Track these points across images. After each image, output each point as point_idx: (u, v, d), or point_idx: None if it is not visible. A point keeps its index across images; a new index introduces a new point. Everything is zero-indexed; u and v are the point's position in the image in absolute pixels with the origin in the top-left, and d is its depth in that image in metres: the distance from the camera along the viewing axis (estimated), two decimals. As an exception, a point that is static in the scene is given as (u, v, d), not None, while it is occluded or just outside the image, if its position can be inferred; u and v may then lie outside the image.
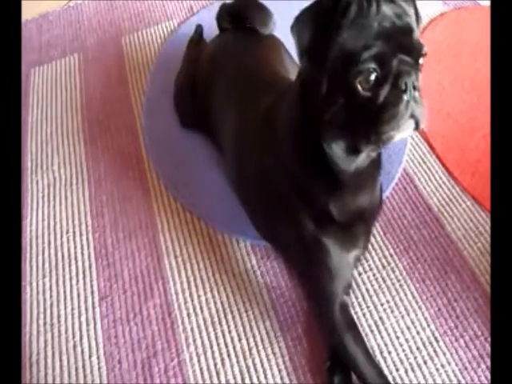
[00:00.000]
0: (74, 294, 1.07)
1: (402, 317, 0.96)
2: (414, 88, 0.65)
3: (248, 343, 0.96)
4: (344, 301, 0.87)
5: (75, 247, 1.15)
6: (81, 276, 1.09)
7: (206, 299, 1.02)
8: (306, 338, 0.95)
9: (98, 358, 0.97)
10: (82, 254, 1.13)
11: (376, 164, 0.85)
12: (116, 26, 1.71)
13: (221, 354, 0.95)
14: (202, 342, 0.97)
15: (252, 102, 0.97)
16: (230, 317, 0.99)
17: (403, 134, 0.68)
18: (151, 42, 1.62)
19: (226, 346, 0.96)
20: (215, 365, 0.94)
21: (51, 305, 1.06)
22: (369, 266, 1.03)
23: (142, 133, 1.35)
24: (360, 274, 1.02)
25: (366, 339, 0.89)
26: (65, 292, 1.07)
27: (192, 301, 1.02)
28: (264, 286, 1.03)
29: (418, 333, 0.93)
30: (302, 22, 0.67)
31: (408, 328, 0.94)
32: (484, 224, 1.07)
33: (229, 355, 0.95)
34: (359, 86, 0.64)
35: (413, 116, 0.66)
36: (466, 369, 0.89)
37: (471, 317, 0.95)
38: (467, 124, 1.26)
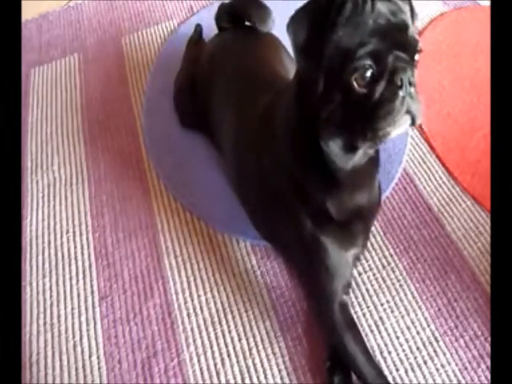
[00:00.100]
0: (74, 293, 1.07)
1: (402, 317, 0.96)
2: (410, 84, 0.65)
3: (248, 343, 0.96)
4: (343, 300, 0.87)
5: (75, 247, 1.15)
6: (81, 276, 1.09)
7: (206, 299, 1.02)
8: (305, 338, 0.95)
9: (98, 357, 0.97)
10: (82, 253, 1.13)
11: (374, 162, 0.85)
12: (116, 26, 1.71)
13: (221, 353, 0.95)
14: (202, 342, 0.97)
15: (251, 102, 0.97)
16: (230, 317, 0.99)
17: (399, 130, 0.68)
18: (151, 42, 1.62)
19: (226, 346, 0.96)
20: (215, 365, 0.94)
21: (51, 305, 1.06)
22: (369, 265, 1.03)
23: (142, 133, 1.35)
24: (360, 274, 1.02)
25: (366, 339, 0.89)
26: (65, 292, 1.07)
27: (192, 301, 1.02)
28: (264, 286, 1.03)
29: (418, 333, 0.93)
30: (297, 21, 0.67)
31: (408, 328, 0.94)
32: (484, 224, 1.07)
33: (229, 355, 0.95)
34: (355, 83, 0.65)
35: (409, 112, 0.66)
36: (466, 369, 0.89)
37: (471, 317, 0.95)
38: (467, 124, 1.26)
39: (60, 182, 1.28)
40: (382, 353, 0.92)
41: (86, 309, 1.04)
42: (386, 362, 0.91)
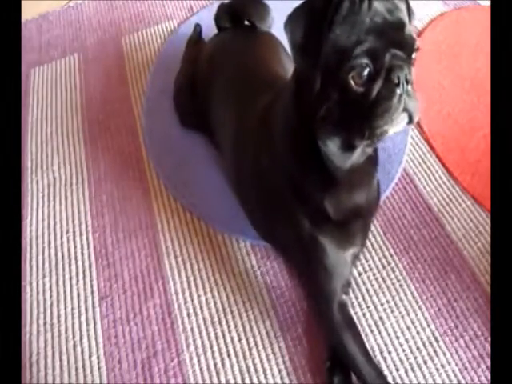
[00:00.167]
0: (74, 293, 1.07)
1: (402, 317, 0.96)
2: (407, 82, 0.65)
3: (248, 343, 0.96)
4: (343, 300, 0.88)
5: (75, 247, 1.15)
6: (81, 276, 1.09)
7: (206, 299, 1.02)
8: (305, 338, 0.95)
9: (98, 357, 0.97)
10: (82, 253, 1.13)
11: (372, 160, 0.85)
12: (116, 26, 1.71)
13: (221, 353, 0.95)
14: (202, 342, 0.97)
15: (249, 102, 0.98)
16: (230, 317, 0.99)
17: (397, 128, 0.68)
18: (151, 42, 1.62)
19: (226, 346, 0.96)
20: (215, 365, 0.94)
21: (51, 305, 1.06)
22: (369, 265, 1.03)
23: (142, 133, 1.35)
24: (360, 274, 1.02)
25: (366, 339, 0.89)
26: (65, 292, 1.07)
27: (192, 301, 1.02)
28: (264, 286, 1.03)
29: (418, 333, 0.93)
30: (294, 20, 0.68)
31: (408, 328, 0.94)
32: (484, 224, 1.07)
33: (229, 355, 0.95)
34: (352, 82, 0.65)
35: (406, 109, 0.66)
36: (466, 369, 0.89)
37: (471, 317, 0.95)
38: (467, 124, 1.26)
39: (60, 182, 1.28)
40: (382, 353, 0.92)
41: (86, 309, 1.04)
42: (386, 361, 0.91)
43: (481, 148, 1.20)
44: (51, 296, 1.07)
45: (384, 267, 1.03)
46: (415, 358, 0.91)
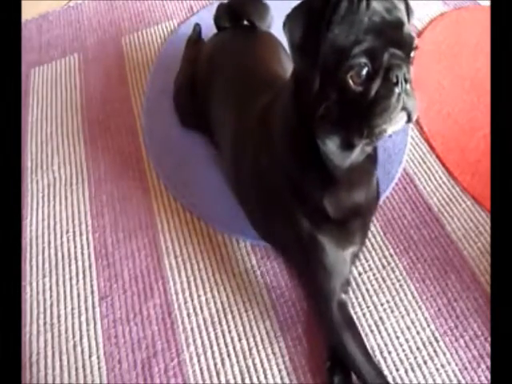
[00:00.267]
0: (74, 293, 1.07)
1: (402, 317, 0.96)
2: (406, 81, 0.65)
3: (248, 343, 0.96)
4: (342, 299, 0.88)
5: (75, 247, 1.15)
6: (81, 276, 1.09)
7: (206, 299, 1.02)
8: (305, 338, 0.95)
9: (98, 357, 0.97)
10: (82, 253, 1.13)
11: (371, 159, 0.85)
12: (116, 26, 1.71)
13: (221, 353, 0.95)
14: (202, 342, 0.97)
15: (249, 102, 0.98)
16: (230, 317, 0.99)
17: (395, 127, 0.68)
18: (151, 42, 1.62)
19: (226, 346, 0.96)
20: (215, 365, 0.94)
21: (51, 305, 1.06)
22: (369, 265, 1.03)
23: (142, 133, 1.35)
24: (360, 274, 1.02)
25: (365, 339, 0.89)
26: (65, 292, 1.07)
27: (192, 301, 1.02)
28: (264, 286, 1.03)
29: (418, 333, 0.93)
30: (293, 19, 0.68)
31: (408, 328, 0.94)
32: (484, 224, 1.07)
33: (229, 355, 0.95)
34: (351, 81, 0.65)
35: (404, 108, 0.66)
36: (466, 369, 0.89)
37: (471, 317, 0.95)
38: (467, 124, 1.26)
39: (60, 182, 1.28)
40: (382, 353, 0.92)
41: (86, 309, 1.04)
42: (386, 361, 0.91)
43: (481, 148, 1.20)
44: (51, 296, 1.07)
45: (384, 267, 1.03)
46: (415, 357, 0.91)
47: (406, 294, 0.99)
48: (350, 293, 0.99)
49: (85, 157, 1.33)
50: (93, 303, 1.05)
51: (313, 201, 0.82)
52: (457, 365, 0.89)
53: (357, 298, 0.99)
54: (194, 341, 0.97)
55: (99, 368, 0.96)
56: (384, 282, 1.01)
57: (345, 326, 0.86)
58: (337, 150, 0.75)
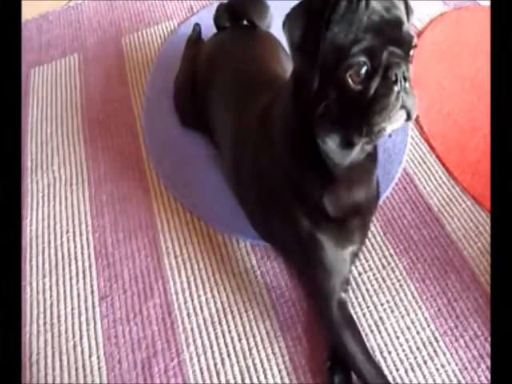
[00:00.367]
0: (74, 293, 1.07)
1: (402, 317, 0.96)
2: (405, 79, 0.65)
3: (248, 343, 0.96)
4: (342, 298, 0.88)
5: (75, 247, 1.15)
6: (81, 276, 1.09)
7: (206, 299, 1.02)
8: (305, 338, 0.95)
9: (98, 357, 0.97)
10: (82, 253, 1.13)
11: (372, 158, 0.85)
12: (116, 26, 1.71)
13: (221, 353, 0.95)
14: (202, 342, 0.97)
15: (249, 102, 0.98)
16: (230, 317, 0.99)
17: (395, 126, 0.68)
18: (151, 42, 1.62)
19: (226, 346, 0.96)
20: (215, 365, 0.94)
21: (51, 305, 1.06)
22: (369, 265, 1.03)
23: (142, 133, 1.35)
24: (360, 274, 1.02)
25: (366, 339, 0.89)
26: (65, 292, 1.07)
27: (192, 301, 1.02)
28: (264, 286, 1.03)
29: (418, 333, 0.93)
30: (292, 19, 0.68)
31: (408, 328, 0.94)
32: (484, 224, 1.07)
33: (229, 355, 0.95)
34: (350, 80, 0.65)
35: (404, 107, 0.67)
36: (466, 369, 0.89)
37: (471, 317, 0.95)
38: (467, 124, 1.26)
39: (60, 182, 1.28)
40: (382, 353, 0.92)
41: (86, 309, 1.04)
42: (386, 361, 0.91)
43: (481, 148, 1.20)
44: (51, 296, 1.07)
45: (384, 267, 1.03)
46: (415, 357, 0.91)
47: (406, 294, 0.99)
48: (350, 293, 0.99)
49: (85, 157, 1.33)
50: (93, 303, 1.05)
51: (313, 199, 0.82)
52: (457, 365, 0.89)
53: (357, 298, 0.99)
54: (194, 341, 0.97)
55: (99, 368, 0.96)
56: (384, 281, 1.01)
57: (345, 325, 0.86)
58: (337, 148, 0.75)
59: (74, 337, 1.00)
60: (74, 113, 1.45)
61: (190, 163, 1.25)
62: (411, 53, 0.68)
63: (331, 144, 0.75)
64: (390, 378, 0.87)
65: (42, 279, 1.10)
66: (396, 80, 0.64)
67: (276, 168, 0.86)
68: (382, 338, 0.94)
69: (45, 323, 1.03)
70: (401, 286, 1.00)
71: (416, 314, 0.96)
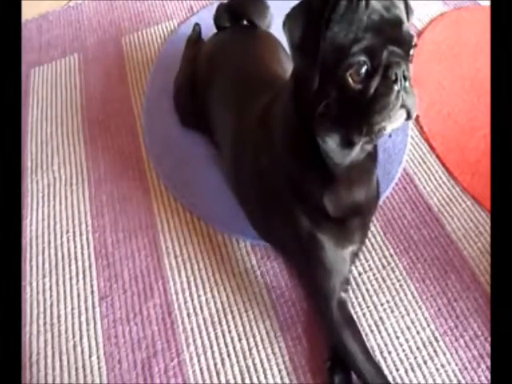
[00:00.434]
0: (74, 293, 1.07)
1: (402, 317, 0.96)
2: (405, 78, 0.65)
3: (248, 343, 0.96)
4: (342, 297, 0.88)
5: (75, 247, 1.15)
6: (81, 276, 1.09)
7: (206, 299, 1.02)
8: (305, 338, 0.95)
9: (98, 357, 0.97)
10: (82, 253, 1.13)
11: (372, 157, 0.85)
12: (116, 26, 1.71)
13: (221, 353, 0.95)
14: (202, 342, 0.97)
15: (249, 102, 0.98)
16: (230, 317, 0.99)
17: (395, 125, 0.69)
18: (151, 42, 1.62)
19: (226, 346, 0.96)
20: (215, 365, 0.94)
21: (51, 305, 1.06)
22: (369, 265, 1.03)
23: (142, 133, 1.35)
24: (360, 274, 1.02)
25: (366, 339, 0.89)
26: (65, 292, 1.07)
27: (192, 301, 1.02)
28: (264, 286, 1.03)
29: (418, 333, 0.93)
30: (292, 19, 0.68)
31: (408, 328, 0.94)
32: (484, 224, 1.07)
33: (229, 355, 0.95)
34: (350, 79, 0.65)
35: (404, 106, 0.67)
36: (466, 369, 0.89)
37: (471, 317, 0.95)
38: (467, 124, 1.26)
39: (60, 182, 1.28)
40: (382, 353, 0.92)
41: (86, 309, 1.04)
42: (386, 361, 0.91)
43: (481, 148, 1.20)
44: (51, 296, 1.07)
45: (384, 267, 1.03)
46: (415, 357, 0.91)
47: (406, 294, 0.99)
48: (350, 293, 0.99)
49: (85, 157, 1.33)
50: (93, 303, 1.05)
51: (313, 199, 0.82)
52: (457, 365, 0.89)
53: (357, 298, 0.99)
54: (194, 341, 0.97)
55: (99, 368, 0.96)
56: (384, 281, 1.01)
57: (345, 324, 0.86)
58: (337, 147, 0.75)
59: (74, 337, 1.00)
60: (74, 113, 1.45)
61: (190, 163, 1.25)
62: (411, 52, 0.68)
63: (331, 143, 0.75)
64: (390, 378, 0.87)
65: (42, 279, 1.10)
66: (396, 79, 0.65)
67: (276, 168, 0.86)
68: (382, 337, 0.94)
69: (45, 323, 1.03)
70: (401, 285, 1.00)
71: (416, 314, 0.96)
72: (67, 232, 1.18)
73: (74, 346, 0.99)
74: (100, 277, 1.09)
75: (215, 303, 1.02)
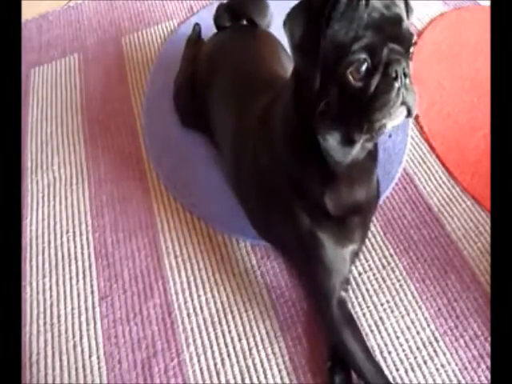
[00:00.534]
0: (74, 293, 1.07)
1: (402, 317, 0.96)
2: (405, 76, 0.66)
3: (248, 343, 0.96)
4: (342, 297, 0.88)
5: (75, 247, 1.15)
6: (81, 276, 1.09)
7: (206, 299, 1.02)
8: (305, 338, 0.95)
9: (98, 357, 0.97)
10: (82, 253, 1.13)
11: (372, 156, 0.85)
12: (116, 26, 1.71)
13: (221, 353, 0.95)
14: (202, 342, 0.97)
15: (249, 102, 0.98)
16: (230, 317, 0.99)
17: (395, 122, 0.69)
18: (151, 42, 1.62)
19: (226, 346, 0.96)
20: (215, 365, 0.94)
21: (51, 305, 1.06)
22: (369, 265, 1.03)
23: (142, 133, 1.35)
24: (360, 274, 1.02)
25: (366, 339, 0.89)
26: (65, 292, 1.07)
27: (192, 301, 1.02)
28: (264, 286, 1.03)
29: (418, 333, 0.93)
30: (293, 18, 0.68)
31: (408, 328, 0.94)
32: (484, 224, 1.07)
33: (229, 355, 0.95)
34: (350, 77, 0.65)
35: (404, 103, 0.67)
36: (466, 369, 0.89)
37: (471, 317, 0.95)
38: (467, 124, 1.26)
39: (60, 182, 1.28)
40: (382, 353, 0.92)
41: (86, 309, 1.04)
42: (386, 361, 0.91)
43: (481, 148, 1.20)
44: (51, 296, 1.07)
45: (384, 267, 1.03)
46: (415, 357, 0.91)
47: (406, 294, 0.99)
48: (350, 293, 0.99)
49: (85, 157, 1.33)
50: (93, 303, 1.05)
51: (313, 198, 0.82)
52: (457, 365, 0.89)
53: (357, 298, 0.99)
54: (194, 341, 0.97)
55: (99, 368, 0.96)
56: (384, 281, 1.01)
57: (345, 323, 0.86)
58: (337, 145, 0.75)
59: (74, 337, 1.00)
60: (74, 113, 1.45)
61: (190, 163, 1.25)
62: (411, 50, 0.68)
63: (332, 141, 0.75)
64: (390, 378, 0.87)
65: (42, 279, 1.10)
66: (396, 76, 0.65)
67: (276, 167, 0.86)
68: (382, 337, 0.94)
69: (45, 323, 1.03)
70: (401, 285, 1.00)
71: (416, 314, 0.96)
72: (67, 232, 1.18)
73: (74, 346, 0.99)
74: (100, 277, 1.09)
75: (215, 303, 1.02)
